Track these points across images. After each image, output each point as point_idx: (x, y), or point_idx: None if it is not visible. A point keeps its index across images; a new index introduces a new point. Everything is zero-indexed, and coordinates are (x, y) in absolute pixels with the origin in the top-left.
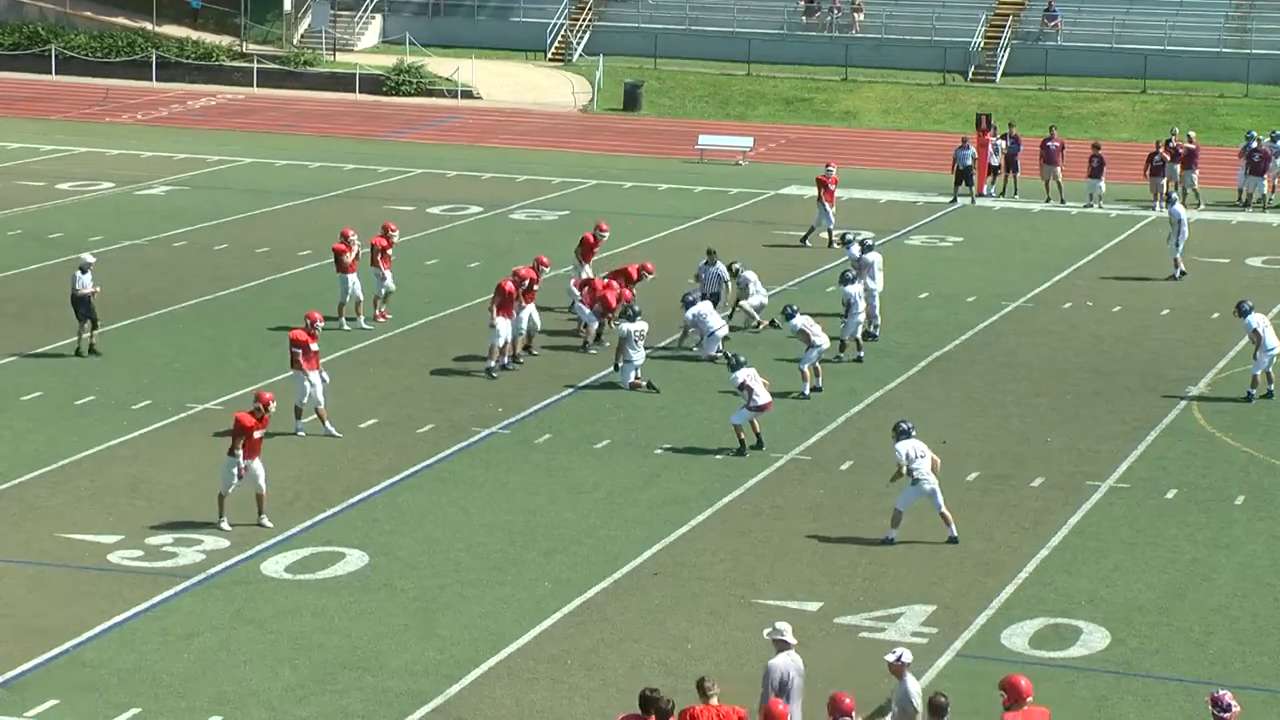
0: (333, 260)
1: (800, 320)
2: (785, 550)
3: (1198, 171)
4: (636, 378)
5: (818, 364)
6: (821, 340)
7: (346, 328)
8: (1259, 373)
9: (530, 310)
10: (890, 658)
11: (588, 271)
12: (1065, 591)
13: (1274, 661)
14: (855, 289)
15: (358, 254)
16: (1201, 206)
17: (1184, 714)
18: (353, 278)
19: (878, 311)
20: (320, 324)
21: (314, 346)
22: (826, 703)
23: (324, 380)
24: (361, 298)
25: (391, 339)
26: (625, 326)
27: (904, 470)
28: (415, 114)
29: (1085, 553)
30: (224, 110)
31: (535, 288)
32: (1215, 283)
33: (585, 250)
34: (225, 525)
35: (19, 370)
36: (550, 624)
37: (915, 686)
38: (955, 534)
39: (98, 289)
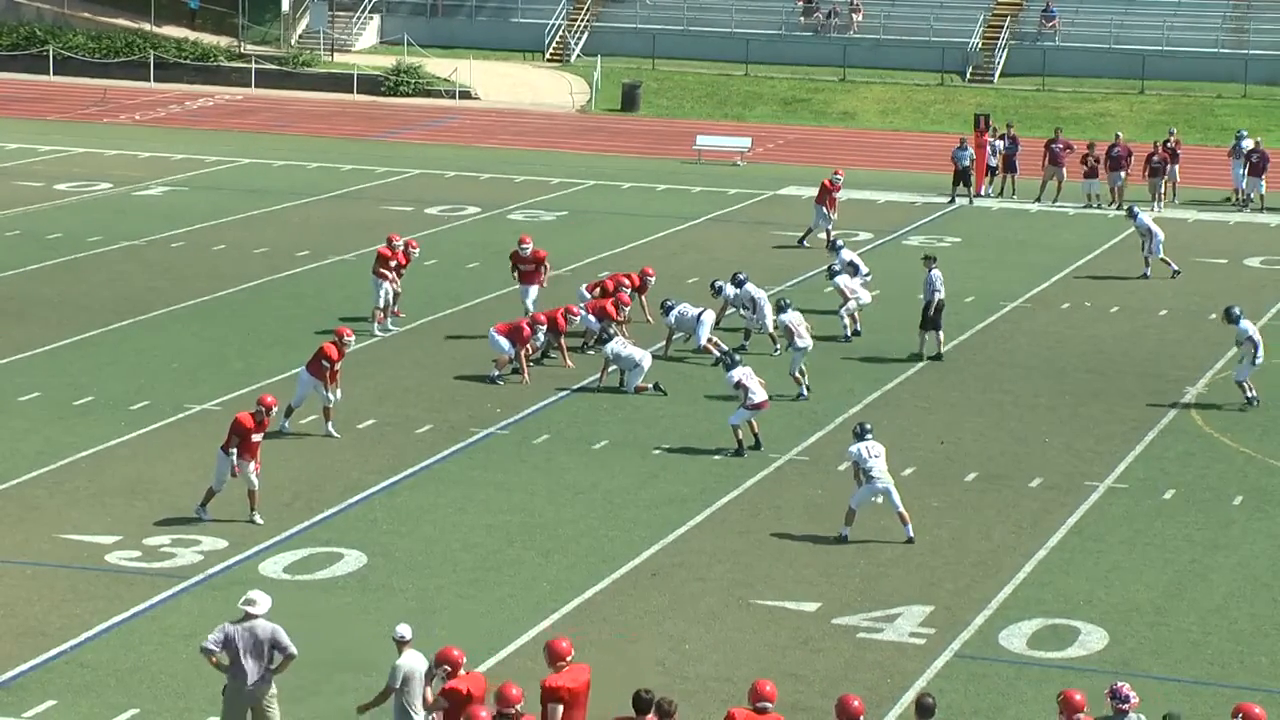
0: (374, 262)
1: (789, 316)
2: (783, 551)
3: (1125, 173)
4: (642, 383)
5: (803, 366)
6: (805, 341)
7: (393, 329)
8: (1245, 380)
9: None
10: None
11: (532, 294)
12: (1063, 592)
13: (1272, 662)
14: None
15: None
16: (1116, 207)
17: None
18: (386, 284)
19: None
20: (350, 340)
21: (338, 366)
22: (835, 705)
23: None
24: (386, 304)
25: (390, 340)
26: (613, 332)
27: (857, 469)
28: (413, 114)
29: (1083, 553)
30: (222, 111)
31: (562, 339)
32: (1213, 283)
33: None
34: (206, 515)
35: (17, 370)
36: (548, 624)
37: (421, 663)
38: (911, 535)
39: None
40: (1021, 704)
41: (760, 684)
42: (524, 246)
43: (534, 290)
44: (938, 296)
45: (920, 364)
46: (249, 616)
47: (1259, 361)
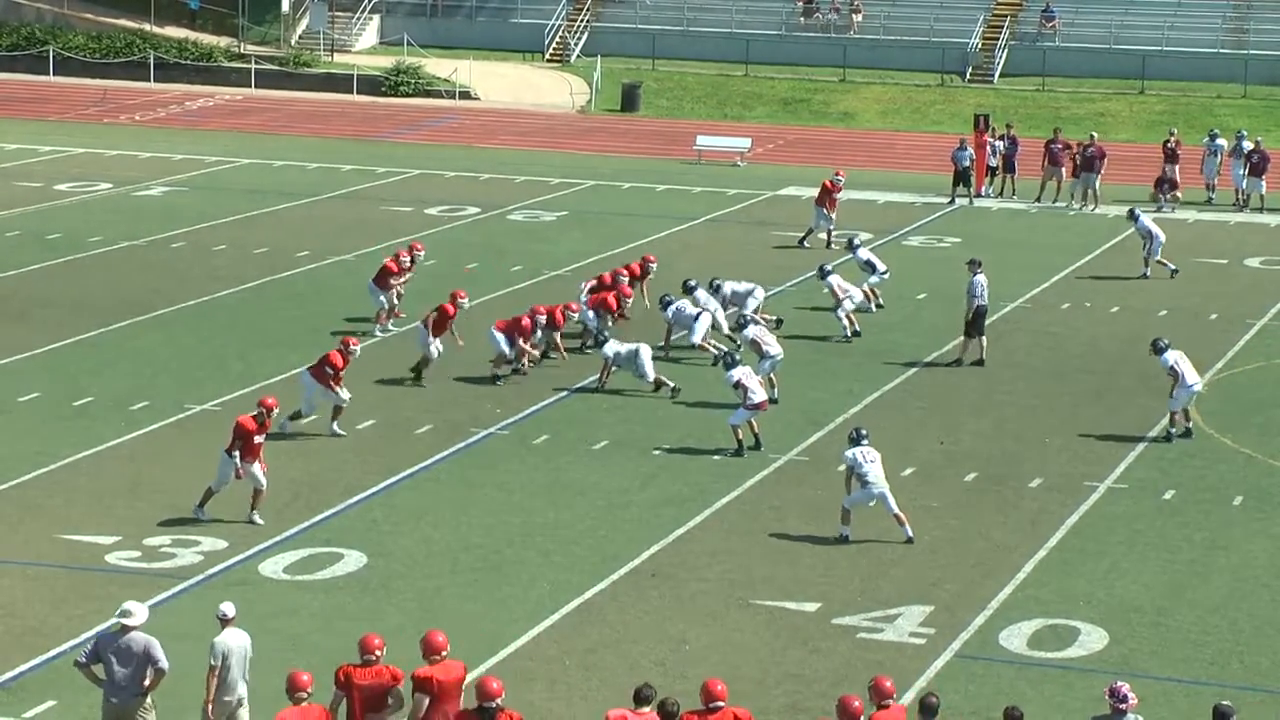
0: (378, 272)
1: (752, 331)
2: (783, 551)
3: (1099, 175)
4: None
5: (772, 375)
6: (774, 350)
7: (393, 329)
8: (1178, 410)
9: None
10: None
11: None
12: (1063, 592)
13: (1272, 662)
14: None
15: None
16: (1095, 209)
17: (1182, 715)
18: (383, 295)
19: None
20: (356, 350)
21: (342, 374)
22: (835, 705)
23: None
24: (391, 305)
25: (389, 340)
26: (607, 335)
27: (851, 474)
28: (413, 115)
29: (1083, 553)
30: (222, 111)
31: (558, 335)
32: (1213, 284)
33: (440, 320)
34: (204, 515)
35: (17, 370)
36: (548, 625)
37: (239, 641)
38: (911, 535)
39: None
40: (1021, 704)
41: (711, 683)
42: (463, 302)
43: (437, 341)
44: (976, 303)
45: (916, 367)
46: (125, 629)
47: (1180, 391)
